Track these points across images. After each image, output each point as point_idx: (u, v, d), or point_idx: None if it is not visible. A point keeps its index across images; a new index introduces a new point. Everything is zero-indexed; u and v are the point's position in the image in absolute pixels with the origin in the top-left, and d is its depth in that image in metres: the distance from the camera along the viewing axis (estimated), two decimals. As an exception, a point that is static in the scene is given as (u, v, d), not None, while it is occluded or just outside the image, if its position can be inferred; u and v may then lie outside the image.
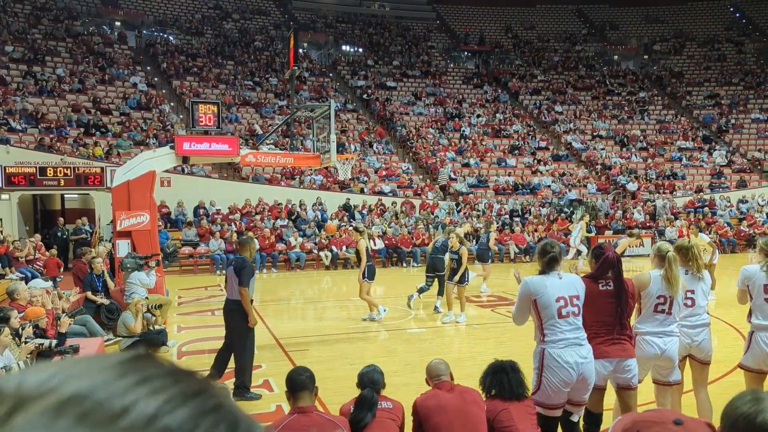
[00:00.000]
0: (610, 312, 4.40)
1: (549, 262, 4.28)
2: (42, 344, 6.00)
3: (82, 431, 0.39)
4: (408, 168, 25.55)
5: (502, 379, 3.92)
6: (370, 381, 3.94)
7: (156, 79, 28.09)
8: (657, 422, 1.36)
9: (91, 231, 17.99)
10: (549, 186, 25.14)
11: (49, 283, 9.30)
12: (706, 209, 23.77)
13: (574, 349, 4.14)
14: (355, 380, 4.05)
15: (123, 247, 10.43)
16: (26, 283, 8.82)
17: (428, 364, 4.19)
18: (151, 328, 8.79)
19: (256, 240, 8.23)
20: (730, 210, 24.29)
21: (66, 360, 0.46)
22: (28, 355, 5.69)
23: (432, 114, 30.22)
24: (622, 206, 23.77)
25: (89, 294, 9.49)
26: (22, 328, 5.98)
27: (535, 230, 20.80)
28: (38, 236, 16.34)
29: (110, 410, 0.40)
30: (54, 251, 15.77)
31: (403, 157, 26.86)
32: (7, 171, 17.85)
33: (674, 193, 25.70)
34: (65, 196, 20.83)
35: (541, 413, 4.14)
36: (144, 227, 10.70)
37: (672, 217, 23.20)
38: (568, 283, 4.27)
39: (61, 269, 15.65)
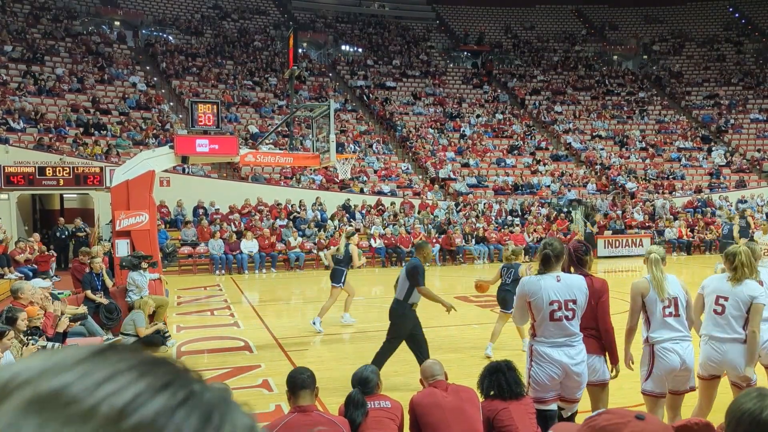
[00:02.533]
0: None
1: (543, 261, 4.27)
2: (44, 347, 6.00)
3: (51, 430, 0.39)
4: (407, 168, 25.54)
5: (499, 379, 3.93)
6: (359, 381, 3.97)
7: (155, 78, 28.07)
8: (624, 423, 1.36)
9: (86, 231, 17.89)
10: (548, 186, 25.14)
11: (49, 283, 9.28)
12: (707, 209, 23.79)
13: (563, 349, 4.16)
14: (355, 381, 4.06)
15: (122, 247, 10.41)
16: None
17: (422, 364, 4.22)
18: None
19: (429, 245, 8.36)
20: (729, 210, 24.29)
21: (43, 352, 0.46)
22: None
23: (431, 114, 30.21)
24: (622, 206, 23.77)
25: (88, 293, 9.48)
26: (28, 335, 5.99)
27: (534, 230, 20.80)
28: (37, 235, 16.32)
29: (79, 409, 0.40)
30: (44, 248, 15.77)
31: (403, 157, 26.85)
32: (6, 171, 17.82)
33: (673, 193, 25.72)
34: (64, 195, 20.81)
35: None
36: (143, 227, 10.68)
37: (671, 217, 23.21)
38: (566, 286, 4.21)
39: (54, 266, 15.72)
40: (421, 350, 6.64)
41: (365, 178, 23.49)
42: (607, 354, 4.56)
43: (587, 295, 4.26)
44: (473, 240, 20.14)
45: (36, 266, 14.49)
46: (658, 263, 4.53)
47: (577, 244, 4.76)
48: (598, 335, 4.49)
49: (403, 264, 19.09)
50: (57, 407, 0.40)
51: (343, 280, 9.96)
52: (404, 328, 6.65)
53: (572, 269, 4.53)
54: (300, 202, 20.90)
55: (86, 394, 0.41)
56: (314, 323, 9.68)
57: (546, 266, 4.26)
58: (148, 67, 28.98)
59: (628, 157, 28.30)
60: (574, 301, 4.17)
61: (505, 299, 8.01)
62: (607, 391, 4.58)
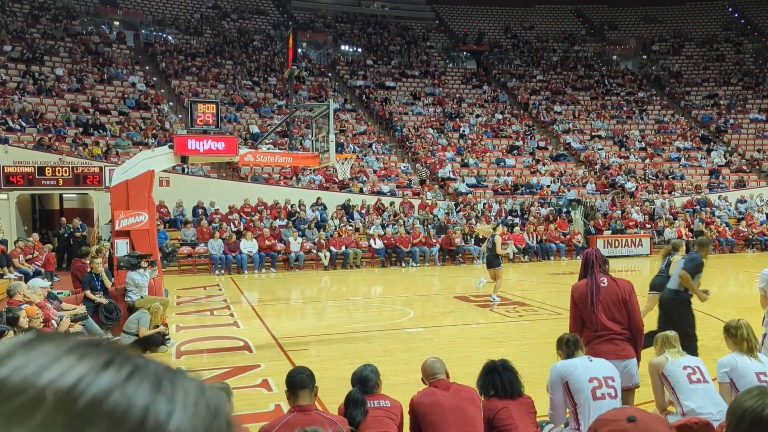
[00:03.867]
0: (602, 310, 4.39)
1: (568, 346, 4.12)
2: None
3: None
4: (407, 168, 25.55)
5: (494, 378, 3.92)
6: (359, 380, 3.96)
7: (155, 78, 28.06)
8: (612, 420, 1.38)
9: (82, 232, 17.86)
10: (548, 186, 25.14)
11: (48, 283, 9.27)
12: (707, 209, 23.78)
13: None
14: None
15: (122, 247, 10.40)
16: (25, 282, 8.81)
17: (423, 362, 4.20)
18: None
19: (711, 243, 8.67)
20: (729, 210, 24.31)
21: None
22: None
23: (431, 114, 30.21)
24: (621, 206, 23.77)
25: (88, 293, 9.48)
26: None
27: (535, 230, 20.80)
28: (36, 235, 16.33)
29: (24, 399, 0.39)
30: (50, 246, 15.74)
31: (402, 157, 26.85)
32: (5, 171, 17.81)
33: (673, 193, 25.72)
34: (64, 195, 20.80)
35: None
36: (142, 227, 10.67)
37: (671, 217, 23.21)
38: (600, 365, 4.04)
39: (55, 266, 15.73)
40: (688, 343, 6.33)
41: (365, 178, 23.49)
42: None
43: (619, 375, 4.08)
44: (473, 240, 20.14)
45: (31, 266, 14.43)
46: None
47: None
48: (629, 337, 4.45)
49: (403, 263, 19.17)
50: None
51: (500, 263, 11.86)
52: (689, 315, 6.68)
53: (597, 268, 4.47)
54: (299, 202, 20.90)
55: (28, 383, 0.40)
56: (493, 299, 11.60)
57: (572, 351, 4.11)
58: (147, 67, 28.97)
59: (628, 157, 28.30)
60: (612, 378, 3.95)
61: (654, 284, 8.32)
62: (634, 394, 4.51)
